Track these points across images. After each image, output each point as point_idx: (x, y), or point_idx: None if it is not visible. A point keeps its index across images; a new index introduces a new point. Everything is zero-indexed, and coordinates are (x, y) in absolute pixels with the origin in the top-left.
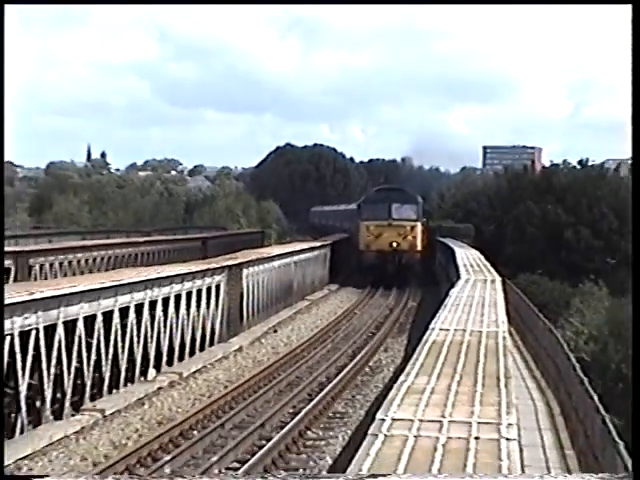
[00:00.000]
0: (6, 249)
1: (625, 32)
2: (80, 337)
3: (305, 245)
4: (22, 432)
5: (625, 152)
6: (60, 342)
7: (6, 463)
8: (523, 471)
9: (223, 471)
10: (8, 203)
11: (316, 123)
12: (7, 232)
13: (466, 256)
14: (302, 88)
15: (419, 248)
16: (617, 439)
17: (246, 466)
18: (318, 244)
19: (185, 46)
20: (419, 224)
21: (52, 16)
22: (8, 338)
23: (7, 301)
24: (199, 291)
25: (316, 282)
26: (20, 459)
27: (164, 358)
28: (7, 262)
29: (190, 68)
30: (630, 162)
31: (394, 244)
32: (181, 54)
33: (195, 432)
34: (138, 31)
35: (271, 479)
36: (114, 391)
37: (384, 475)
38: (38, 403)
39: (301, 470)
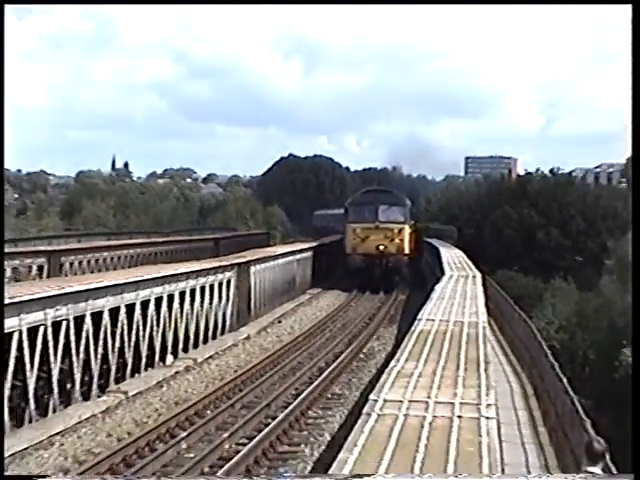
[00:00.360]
0: (40, 248)
1: (592, 55)
2: (106, 327)
3: (306, 245)
4: (54, 411)
5: (590, 162)
6: (88, 331)
7: (41, 438)
8: (501, 447)
9: (207, 470)
10: (42, 207)
11: (316, 136)
12: (41, 233)
13: (450, 255)
14: (303, 105)
15: (406, 251)
16: (584, 417)
17: (254, 442)
18: (315, 244)
19: (198, 67)
20: (406, 227)
21: (84, 42)
22: (42, 328)
23: (41, 295)
24: (212, 286)
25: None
26: (52, 435)
27: (180, 345)
28: (41, 260)
29: (203, 87)
30: (630, 163)
31: (381, 247)
32: (195, 74)
33: (208, 411)
34: (157, 54)
35: (256, 479)
36: (136, 375)
37: (368, 475)
38: (68, 386)
39: (303, 445)
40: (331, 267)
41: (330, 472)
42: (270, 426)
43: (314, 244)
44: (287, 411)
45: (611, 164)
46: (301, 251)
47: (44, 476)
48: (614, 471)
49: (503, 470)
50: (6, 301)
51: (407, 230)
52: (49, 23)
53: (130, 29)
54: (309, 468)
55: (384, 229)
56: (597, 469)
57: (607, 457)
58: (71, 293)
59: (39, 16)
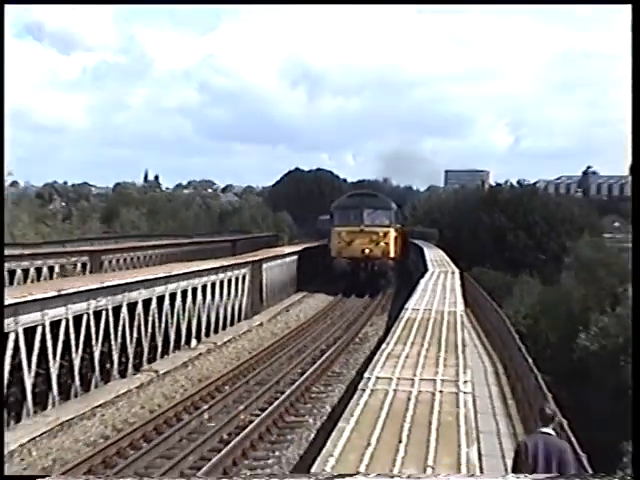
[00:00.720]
0: (84, 248)
1: (552, 85)
2: (139, 315)
3: (309, 245)
4: (96, 387)
5: (551, 175)
6: (124, 319)
7: (85, 410)
8: (476, 417)
9: (187, 471)
10: (85, 214)
11: (318, 153)
12: (85, 236)
13: (432, 254)
14: (307, 126)
15: (392, 255)
16: (545, 391)
17: (265, 413)
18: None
19: (218, 95)
20: (392, 230)
21: (121, 73)
22: (85, 316)
23: (84, 288)
24: (229, 280)
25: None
26: (94, 407)
27: (203, 331)
28: (84, 258)
29: (222, 111)
30: (630, 164)
31: (366, 251)
32: (215, 101)
33: (227, 387)
34: (184, 83)
35: (235, 479)
36: (165, 356)
37: (351, 475)
38: (108, 365)
39: (307, 416)
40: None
41: (315, 467)
42: (279, 399)
43: (316, 244)
44: (294, 387)
45: (569, 176)
46: (305, 250)
47: (44, 476)
48: (565, 430)
49: (478, 437)
50: (54, 294)
51: (392, 233)
52: (91, 57)
53: (160, 62)
54: (312, 435)
55: (369, 233)
56: (549, 429)
57: (556, 420)
58: (110, 287)
59: (82, 52)
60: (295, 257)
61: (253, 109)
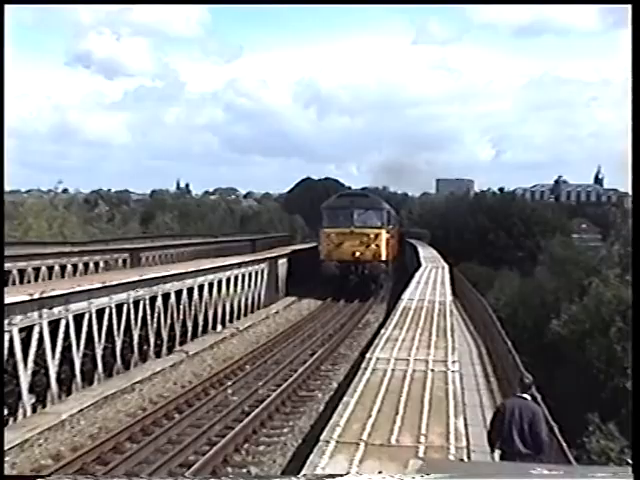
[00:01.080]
0: (125, 246)
1: (527, 106)
2: (172, 304)
3: (300, 247)
4: (135, 366)
5: (527, 183)
6: (159, 307)
7: (125, 385)
8: (462, 392)
9: (174, 471)
10: (126, 217)
11: (326, 164)
12: (125, 235)
13: (425, 251)
14: (318, 141)
15: (383, 258)
16: (522, 370)
17: (280, 389)
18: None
19: (241, 114)
20: (384, 231)
21: (157, 95)
22: (125, 305)
23: (125, 281)
24: (250, 274)
25: None
26: (133, 383)
27: (227, 317)
28: (125, 255)
29: (244, 128)
30: (631, 164)
31: (356, 253)
32: (238, 119)
33: (247, 366)
34: (211, 104)
35: (224, 479)
36: (194, 339)
37: (341, 475)
38: (145, 347)
39: (317, 391)
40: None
41: (323, 435)
42: (293, 377)
43: (307, 246)
44: (305, 366)
45: (543, 185)
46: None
47: (44, 476)
48: (537, 396)
49: (464, 409)
50: (99, 285)
51: (384, 235)
52: (132, 82)
53: (191, 86)
54: (321, 408)
55: (359, 234)
56: (527, 395)
57: (532, 388)
58: (147, 279)
59: (124, 78)
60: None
61: (271, 126)
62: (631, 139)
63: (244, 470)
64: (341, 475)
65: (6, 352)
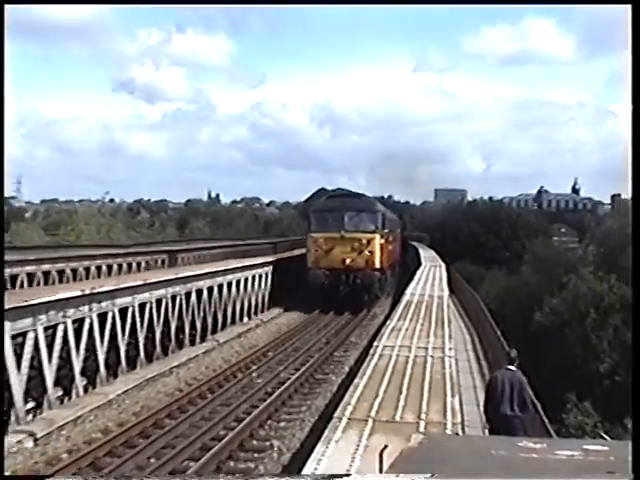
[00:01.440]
0: (163, 248)
1: (512, 124)
2: (204, 298)
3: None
4: (172, 352)
5: (513, 192)
6: (193, 302)
7: (164, 369)
8: (458, 375)
9: (207, 443)
10: (164, 223)
11: (339, 176)
12: (164, 239)
13: (425, 252)
14: (331, 156)
15: (377, 265)
16: (508, 349)
17: (299, 372)
18: None
19: (264, 132)
20: (378, 236)
21: (191, 116)
22: (164, 300)
23: (164, 278)
24: (272, 272)
25: None
26: (171, 368)
27: (252, 310)
28: (163, 256)
29: (267, 145)
30: (631, 165)
31: (347, 261)
32: (262, 137)
33: (270, 352)
34: (238, 124)
35: (230, 478)
36: (224, 329)
37: (340, 476)
38: (181, 336)
39: (331, 374)
40: None
41: (337, 412)
42: (310, 362)
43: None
44: (320, 353)
45: (527, 194)
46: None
47: (46, 476)
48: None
49: (459, 390)
50: (141, 282)
51: (378, 240)
52: (169, 106)
53: (221, 108)
54: (335, 389)
55: (351, 239)
56: (513, 367)
57: (517, 361)
58: (183, 277)
59: (163, 102)
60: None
61: (290, 143)
62: (631, 139)
63: (266, 443)
64: (341, 476)
65: (60, 341)
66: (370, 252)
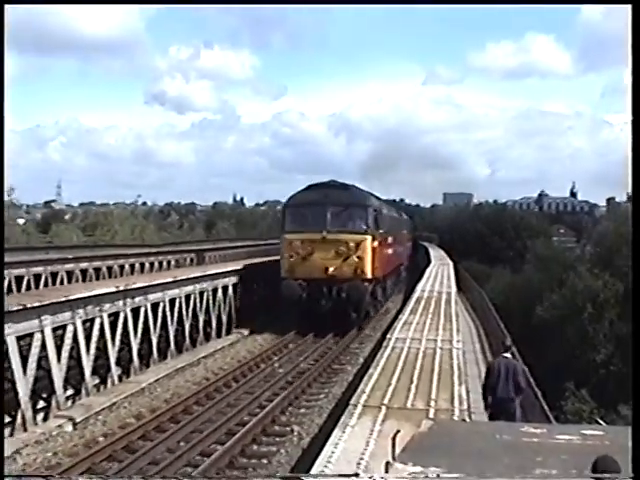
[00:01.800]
0: (192, 248)
1: (516, 132)
2: (230, 294)
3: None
4: (200, 344)
5: (516, 195)
6: (219, 297)
7: (192, 360)
8: (465, 365)
9: (232, 429)
10: (192, 224)
11: (353, 181)
12: (192, 239)
13: (434, 251)
14: (347, 162)
15: (369, 275)
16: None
17: (319, 362)
18: None
19: (285, 140)
20: (369, 238)
21: (217, 125)
22: (192, 295)
23: (192, 275)
24: None
25: None
26: (199, 358)
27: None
28: (192, 255)
29: (287, 152)
30: (631, 165)
31: (330, 269)
32: (283, 144)
33: (291, 344)
34: (261, 133)
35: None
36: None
37: (348, 476)
38: (208, 329)
39: (347, 365)
40: None
41: (353, 400)
42: (328, 353)
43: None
44: (337, 344)
45: (529, 197)
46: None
47: (46, 476)
48: (512, 355)
49: (466, 379)
50: (170, 279)
51: (370, 243)
52: (197, 116)
53: (245, 118)
54: (350, 378)
55: (335, 242)
56: (507, 354)
57: (512, 348)
58: (209, 275)
59: (192, 113)
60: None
61: (309, 150)
62: (631, 140)
63: (287, 428)
64: (349, 476)
65: (97, 333)
66: (359, 258)
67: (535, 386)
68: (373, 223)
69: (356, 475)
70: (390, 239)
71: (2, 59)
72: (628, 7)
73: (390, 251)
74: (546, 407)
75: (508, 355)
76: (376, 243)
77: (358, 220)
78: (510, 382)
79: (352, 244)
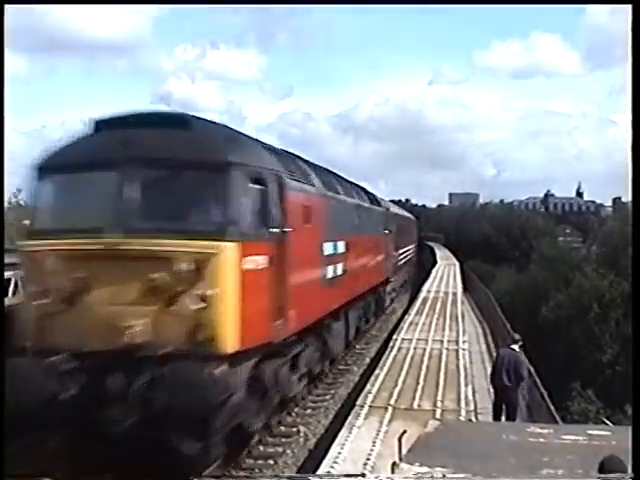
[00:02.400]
0: None
1: (521, 133)
2: None
3: None
4: None
5: (522, 195)
6: None
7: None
8: (471, 365)
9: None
10: None
11: (360, 180)
12: None
13: (440, 251)
14: (353, 162)
15: (224, 344)
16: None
17: (325, 363)
18: None
19: (292, 141)
20: (230, 249)
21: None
22: None
23: None
24: None
25: None
26: None
27: None
28: None
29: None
30: (631, 164)
31: (131, 330)
32: (289, 145)
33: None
34: (267, 133)
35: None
36: None
37: (355, 475)
38: None
39: (353, 365)
40: None
41: (359, 400)
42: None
43: None
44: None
45: (535, 197)
46: None
47: (44, 476)
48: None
49: (472, 379)
50: None
51: (234, 260)
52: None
53: (251, 119)
54: (357, 379)
55: (141, 259)
56: (515, 347)
57: (519, 342)
58: None
59: (198, 114)
60: None
61: (315, 150)
62: (631, 140)
63: (294, 429)
64: (356, 476)
65: None
66: (204, 299)
67: (541, 386)
68: (254, 212)
69: (362, 475)
70: (347, 246)
71: (2, 59)
72: (628, 7)
73: (294, 280)
74: (552, 407)
75: (515, 347)
76: (261, 261)
77: (208, 204)
78: (512, 372)
79: (185, 264)
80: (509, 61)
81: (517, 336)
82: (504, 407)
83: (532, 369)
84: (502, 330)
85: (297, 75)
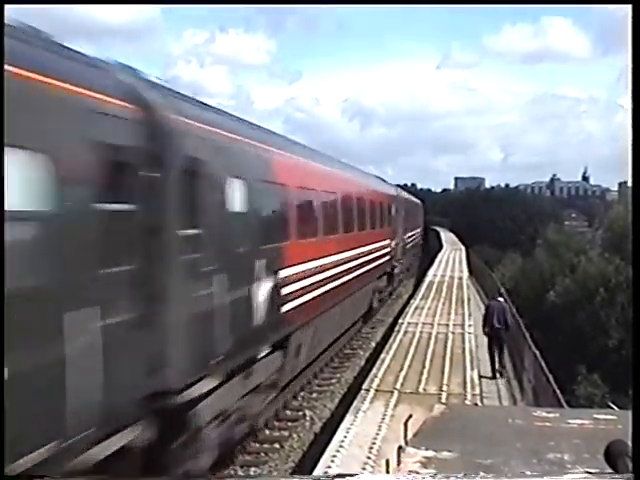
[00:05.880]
0: None
1: (528, 118)
2: None
3: None
4: None
5: (528, 180)
6: None
7: None
8: (477, 349)
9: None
10: None
11: (367, 166)
12: None
13: (446, 236)
14: (360, 147)
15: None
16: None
17: (330, 347)
18: None
19: (298, 126)
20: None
21: (232, 110)
22: None
23: None
24: None
25: None
26: None
27: None
28: None
29: (300, 137)
30: (630, 164)
31: None
32: (296, 130)
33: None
34: (274, 118)
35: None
36: None
37: (351, 475)
38: None
39: (359, 349)
40: None
41: (365, 384)
42: (341, 338)
43: None
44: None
45: (540, 181)
46: None
47: (44, 476)
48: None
49: (478, 363)
50: None
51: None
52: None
53: (258, 103)
54: (362, 363)
55: None
56: (500, 298)
57: (503, 294)
58: None
59: (206, 98)
60: None
61: (322, 135)
62: (631, 139)
63: (300, 413)
64: (351, 475)
65: None
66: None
67: (547, 370)
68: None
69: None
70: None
71: (2, 59)
72: (628, 7)
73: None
74: (558, 391)
75: (500, 299)
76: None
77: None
78: (500, 317)
79: None
80: (519, 45)
81: (501, 290)
82: (495, 348)
83: (514, 313)
84: None
85: (306, 59)
